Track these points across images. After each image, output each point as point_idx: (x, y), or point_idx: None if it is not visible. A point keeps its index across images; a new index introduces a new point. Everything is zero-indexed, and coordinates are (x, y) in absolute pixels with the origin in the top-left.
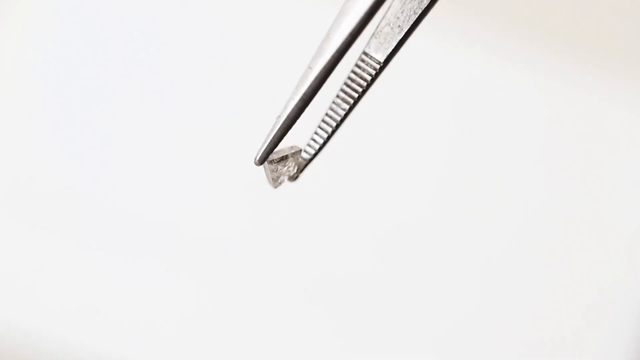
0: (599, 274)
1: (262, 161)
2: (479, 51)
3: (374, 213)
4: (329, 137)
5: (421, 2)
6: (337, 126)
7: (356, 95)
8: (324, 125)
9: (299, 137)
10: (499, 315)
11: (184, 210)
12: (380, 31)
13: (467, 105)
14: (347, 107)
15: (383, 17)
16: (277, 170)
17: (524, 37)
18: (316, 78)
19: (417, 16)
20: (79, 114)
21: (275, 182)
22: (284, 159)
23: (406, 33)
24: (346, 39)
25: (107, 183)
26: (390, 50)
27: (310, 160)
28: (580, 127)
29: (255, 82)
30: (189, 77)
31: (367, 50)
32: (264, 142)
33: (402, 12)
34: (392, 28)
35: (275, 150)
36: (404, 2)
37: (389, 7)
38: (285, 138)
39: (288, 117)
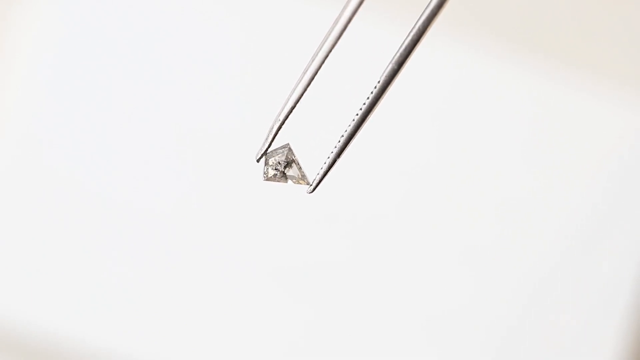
0: (593, 273)
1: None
2: (471, 53)
3: (369, 213)
4: (341, 149)
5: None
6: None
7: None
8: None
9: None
10: (493, 314)
11: (180, 209)
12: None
13: (458, 106)
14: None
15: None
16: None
17: (513, 40)
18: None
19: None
20: (81, 114)
21: (266, 175)
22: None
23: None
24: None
25: (108, 183)
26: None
27: (326, 171)
28: (567, 127)
29: (257, 83)
30: (190, 78)
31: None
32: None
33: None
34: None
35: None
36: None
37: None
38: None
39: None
